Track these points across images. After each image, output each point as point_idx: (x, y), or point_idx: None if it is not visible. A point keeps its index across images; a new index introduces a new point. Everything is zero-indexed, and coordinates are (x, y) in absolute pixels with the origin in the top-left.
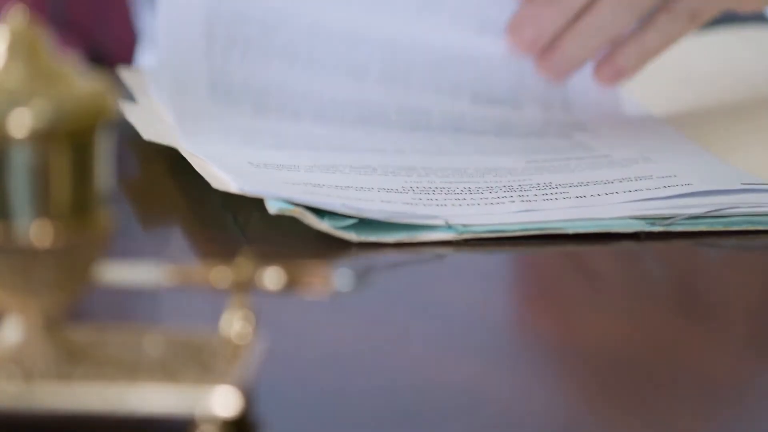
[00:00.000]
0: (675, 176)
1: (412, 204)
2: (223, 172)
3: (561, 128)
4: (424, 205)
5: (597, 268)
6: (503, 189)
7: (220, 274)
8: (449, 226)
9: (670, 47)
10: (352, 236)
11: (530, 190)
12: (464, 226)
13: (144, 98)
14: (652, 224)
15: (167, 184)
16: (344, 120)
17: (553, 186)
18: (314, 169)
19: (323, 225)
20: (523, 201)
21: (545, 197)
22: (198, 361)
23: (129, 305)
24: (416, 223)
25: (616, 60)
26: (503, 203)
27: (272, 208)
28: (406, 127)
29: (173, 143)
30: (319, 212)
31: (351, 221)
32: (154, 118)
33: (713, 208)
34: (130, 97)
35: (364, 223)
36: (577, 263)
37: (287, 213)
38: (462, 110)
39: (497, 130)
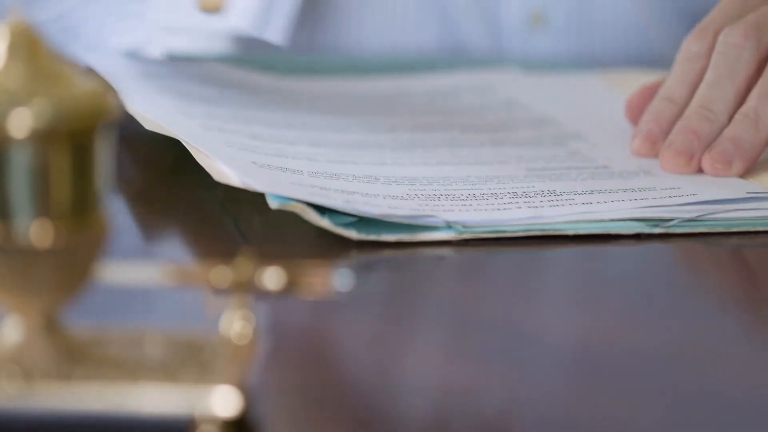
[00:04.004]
0: (679, 188)
1: (419, 210)
2: (226, 165)
3: (556, 138)
4: (431, 210)
5: (597, 269)
6: (508, 195)
7: (220, 274)
8: (449, 226)
9: None
10: (352, 234)
11: (535, 197)
12: (464, 226)
13: (143, 85)
14: (653, 226)
15: (167, 184)
16: (340, 144)
17: (558, 193)
18: (318, 175)
19: (324, 222)
20: (529, 207)
21: (551, 203)
22: (198, 361)
23: (129, 305)
24: (417, 223)
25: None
26: (510, 209)
27: (273, 203)
28: (402, 148)
29: (175, 134)
30: (320, 209)
31: (352, 219)
32: (155, 109)
33: (714, 211)
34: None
35: (365, 222)
36: (577, 264)
37: (288, 208)
38: (454, 137)
39: (492, 143)
